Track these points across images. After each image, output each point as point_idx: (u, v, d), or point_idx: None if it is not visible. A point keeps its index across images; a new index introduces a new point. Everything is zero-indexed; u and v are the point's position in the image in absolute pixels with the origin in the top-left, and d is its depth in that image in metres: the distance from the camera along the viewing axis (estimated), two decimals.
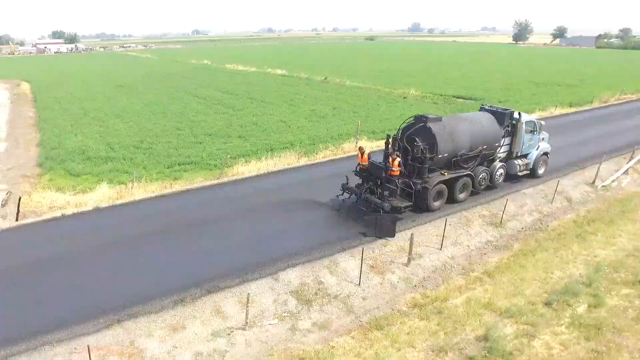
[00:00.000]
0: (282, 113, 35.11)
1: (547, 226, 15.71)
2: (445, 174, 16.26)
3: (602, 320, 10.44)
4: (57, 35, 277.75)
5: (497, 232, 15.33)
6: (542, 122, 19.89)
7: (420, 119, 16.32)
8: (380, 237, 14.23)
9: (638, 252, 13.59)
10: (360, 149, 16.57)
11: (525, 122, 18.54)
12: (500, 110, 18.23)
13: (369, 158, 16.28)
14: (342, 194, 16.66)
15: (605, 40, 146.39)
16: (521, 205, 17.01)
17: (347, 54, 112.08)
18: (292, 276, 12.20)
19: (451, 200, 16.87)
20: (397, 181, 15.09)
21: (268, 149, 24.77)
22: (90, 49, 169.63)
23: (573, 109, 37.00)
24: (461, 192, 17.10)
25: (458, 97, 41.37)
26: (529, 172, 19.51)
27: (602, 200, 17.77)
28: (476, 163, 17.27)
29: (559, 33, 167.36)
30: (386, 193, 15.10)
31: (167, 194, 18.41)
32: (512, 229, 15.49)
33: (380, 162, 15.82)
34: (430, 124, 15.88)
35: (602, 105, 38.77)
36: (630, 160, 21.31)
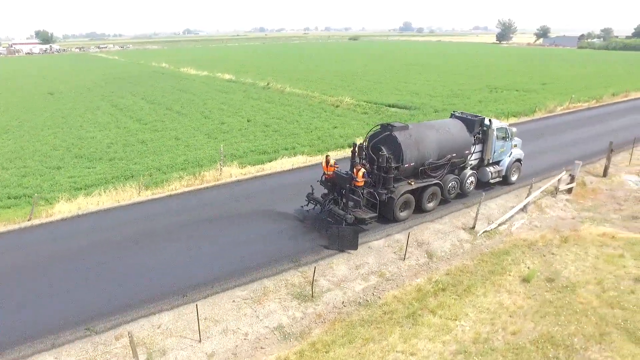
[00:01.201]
0: (187, 128, 31.68)
1: (379, 298, 11.97)
2: (412, 183, 15.85)
3: None
4: (39, 35, 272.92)
5: (301, 309, 11.41)
6: (514, 129, 19.34)
7: (386, 127, 15.92)
8: (343, 250, 13.84)
9: (476, 344, 10.14)
10: (326, 157, 16.04)
11: (497, 128, 18.13)
12: (470, 117, 17.85)
13: (334, 167, 15.77)
14: (307, 204, 16.19)
15: (587, 40, 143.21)
16: (357, 266, 13.24)
17: (319, 55, 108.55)
18: None
19: (420, 209, 16.45)
20: (361, 192, 14.74)
21: (127, 176, 21.32)
22: (64, 50, 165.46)
23: (513, 119, 33.62)
24: (430, 202, 16.77)
25: (393, 106, 37.96)
26: (501, 179, 19.19)
27: (475, 254, 13.79)
28: (445, 171, 16.89)
29: (542, 33, 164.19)
30: (350, 204, 14.70)
31: None
32: (325, 304, 11.52)
33: (345, 172, 15.39)
34: (395, 133, 15.52)
35: (547, 115, 35.43)
36: (529, 194, 17.18)
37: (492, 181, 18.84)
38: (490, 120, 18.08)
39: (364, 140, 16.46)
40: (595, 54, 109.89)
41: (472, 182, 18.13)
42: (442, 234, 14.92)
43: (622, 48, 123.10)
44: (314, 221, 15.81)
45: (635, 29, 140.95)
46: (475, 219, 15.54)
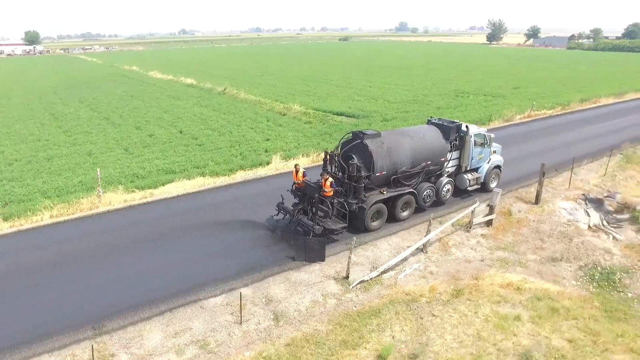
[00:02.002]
0: (109, 141, 29.16)
1: None
2: (385, 192, 15.44)
3: None
4: (28, 35, 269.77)
5: None
6: (492, 135, 18.95)
7: (357, 135, 15.52)
8: (310, 262, 13.41)
9: None
10: (296, 166, 15.63)
11: (474, 135, 17.79)
12: (446, 124, 17.43)
13: (303, 176, 15.34)
14: (278, 214, 15.67)
15: (576, 41, 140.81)
16: (177, 332, 10.39)
17: (299, 56, 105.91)
18: None
19: (393, 219, 15.99)
20: (330, 202, 14.46)
21: (4, 203, 18.71)
22: (48, 51, 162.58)
23: None
24: (403, 211, 16.33)
25: (340, 114, 35.37)
26: (479, 186, 18.76)
27: (336, 315, 10.97)
28: (420, 180, 16.51)
29: (532, 33, 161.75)
30: (320, 214, 14.36)
31: None
32: None
33: (315, 182, 15.01)
34: (366, 141, 15.14)
35: (503, 124, 32.92)
36: (428, 232, 14.13)
37: (470, 188, 18.39)
38: (467, 127, 17.69)
39: (336, 149, 16.01)
40: (582, 55, 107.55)
41: (448, 189, 17.64)
42: (304, 286, 12.28)
43: (610, 49, 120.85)
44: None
45: (625, 29, 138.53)
46: (348, 265, 12.74)
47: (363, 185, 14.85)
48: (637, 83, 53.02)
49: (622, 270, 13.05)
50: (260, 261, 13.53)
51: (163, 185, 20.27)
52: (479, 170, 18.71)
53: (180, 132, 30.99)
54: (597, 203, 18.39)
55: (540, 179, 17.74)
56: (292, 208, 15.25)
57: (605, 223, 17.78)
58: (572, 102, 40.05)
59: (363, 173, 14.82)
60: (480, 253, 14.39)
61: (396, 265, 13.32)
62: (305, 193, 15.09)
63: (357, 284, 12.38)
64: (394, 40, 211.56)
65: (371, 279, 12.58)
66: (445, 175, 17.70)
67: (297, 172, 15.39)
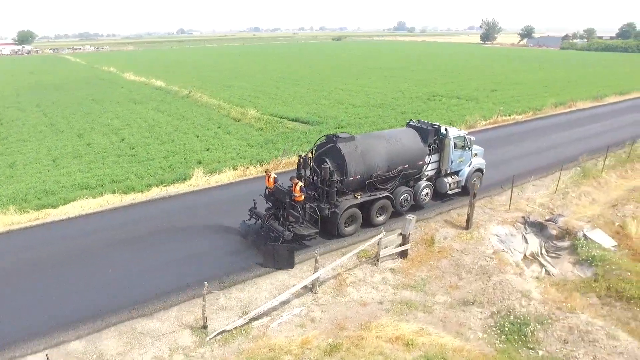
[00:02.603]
0: (40, 150, 27.50)
1: None
2: (359, 197, 15.23)
3: None
4: (21, 35, 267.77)
5: None
6: (473, 138, 18.59)
7: (331, 138, 15.30)
8: (279, 269, 13.18)
9: None
10: (267, 172, 15.56)
11: (454, 137, 17.51)
12: (423, 126, 17.12)
13: (274, 181, 15.09)
14: (250, 219, 15.36)
15: (569, 41, 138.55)
16: None
17: (285, 57, 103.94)
18: None
19: (369, 223, 15.79)
20: (300, 207, 14.18)
21: None
22: (36, 51, 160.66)
23: None
24: (379, 215, 16.12)
25: (295, 120, 33.46)
26: (460, 190, 18.49)
27: None
28: (397, 183, 16.28)
29: (526, 33, 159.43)
30: (290, 220, 14.16)
31: None
32: None
33: (287, 187, 14.58)
34: (340, 144, 14.90)
35: (467, 130, 30.89)
36: (315, 269, 11.98)
37: (450, 192, 18.16)
38: (446, 129, 17.39)
39: (309, 152, 15.75)
40: (574, 55, 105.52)
41: (427, 193, 17.36)
42: (151, 337, 10.39)
43: (603, 49, 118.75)
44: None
45: (619, 29, 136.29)
46: (203, 313, 10.68)
47: (335, 189, 14.52)
48: (620, 85, 51.10)
49: (537, 321, 11.14)
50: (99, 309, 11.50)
51: (64, 204, 18.37)
52: (460, 174, 18.39)
53: (122, 141, 29.15)
54: (539, 227, 16.54)
55: (471, 201, 15.83)
56: (264, 213, 15.02)
57: (544, 251, 15.93)
58: (546, 106, 38.06)
59: (336, 177, 14.51)
60: (382, 293, 12.48)
61: (274, 309, 11.42)
62: (277, 198, 14.80)
63: (216, 334, 10.48)
64: (388, 40, 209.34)
65: (235, 328, 10.67)
66: (425, 178, 17.40)
67: (268, 177, 15.19)
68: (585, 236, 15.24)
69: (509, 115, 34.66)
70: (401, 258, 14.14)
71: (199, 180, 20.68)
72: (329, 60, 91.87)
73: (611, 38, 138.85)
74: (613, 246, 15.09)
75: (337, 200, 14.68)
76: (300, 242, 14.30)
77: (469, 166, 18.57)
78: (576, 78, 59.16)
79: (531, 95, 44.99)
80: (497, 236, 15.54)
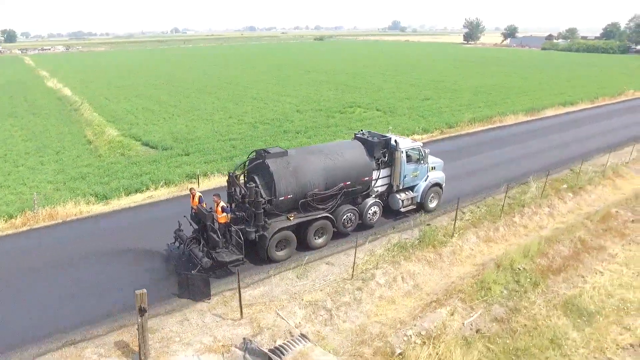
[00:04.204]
0: None
1: None
2: (292, 218, 13.88)
3: None
4: (4, 34, 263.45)
5: None
6: (428, 150, 17.26)
7: (260, 153, 13.99)
8: (195, 300, 11.85)
9: None
10: (191, 190, 14.02)
11: (406, 150, 16.18)
12: (370, 139, 15.79)
13: (199, 201, 13.62)
14: (175, 242, 13.87)
15: (551, 41, 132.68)
16: None
17: (250, 59, 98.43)
18: None
19: (307, 246, 14.38)
20: (224, 230, 12.95)
21: None
22: (0, 52, 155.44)
23: None
24: (318, 237, 14.65)
25: (146, 144, 27.90)
26: (415, 206, 17.20)
27: None
28: (338, 202, 14.81)
29: (509, 33, 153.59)
30: (211, 244, 12.91)
31: None
32: None
33: (210, 207, 13.23)
34: (268, 160, 13.54)
35: None
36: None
37: (403, 209, 16.81)
38: (396, 141, 16.07)
39: (239, 168, 14.69)
40: (551, 56, 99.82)
41: (375, 212, 16.02)
42: None
43: (585, 50, 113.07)
44: None
45: (603, 29, 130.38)
46: None
47: (262, 211, 13.26)
48: (581, 93, 45.57)
49: None
50: None
51: None
52: (415, 189, 17.08)
53: None
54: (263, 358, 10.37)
55: (141, 326, 10.03)
56: (187, 237, 13.64)
57: None
58: (462, 121, 32.43)
59: (264, 197, 13.34)
60: None
61: None
62: (200, 219, 13.58)
63: None
64: (373, 40, 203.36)
65: None
66: (373, 195, 16.06)
67: (193, 196, 13.87)
68: None
69: (407, 136, 28.96)
70: None
71: None
72: (275, 62, 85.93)
73: (596, 38, 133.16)
74: None
75: (266, 222, 13.37)
76: (226, 269, 12.91)
77: (426, 181, 17.13)
78: (534, 84, 53.48)
79: (464, 106, 39.41)
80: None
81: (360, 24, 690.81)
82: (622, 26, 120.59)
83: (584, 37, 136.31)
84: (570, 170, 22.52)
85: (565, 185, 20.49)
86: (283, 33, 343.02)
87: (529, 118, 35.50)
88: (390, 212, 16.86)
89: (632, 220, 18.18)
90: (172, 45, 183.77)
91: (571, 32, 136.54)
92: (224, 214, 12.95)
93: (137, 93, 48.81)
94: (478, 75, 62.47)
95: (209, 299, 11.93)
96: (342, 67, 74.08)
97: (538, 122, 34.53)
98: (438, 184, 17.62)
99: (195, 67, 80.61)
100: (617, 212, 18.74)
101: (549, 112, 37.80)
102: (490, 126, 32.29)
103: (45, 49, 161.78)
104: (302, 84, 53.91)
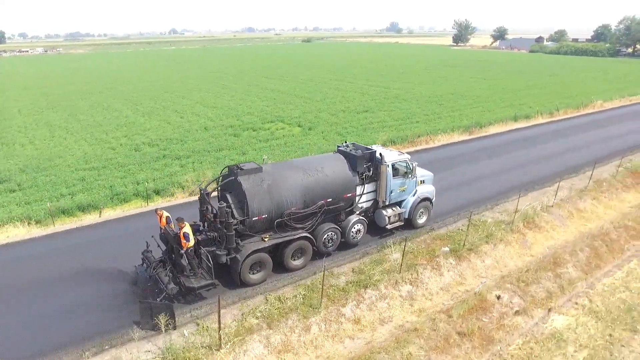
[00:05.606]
0: None
1: None
2: (267, 239, 12.88)
3: None
4: None
5: None
6: (416, 163, 16.11)
7: (233, 170, 12.95)
8: (158, 330, 11.18)
9: None
10: (157, 211, 13.09)
11: (392, 163, 15.25)
12: (353, 152, 14.79)
13: (167, 221, 12.87)
14: (142, 264, 13.01)
15: (540, 44, 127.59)
16: None
17: (221, 63, 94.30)
18: None
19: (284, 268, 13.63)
20: (188, 255, 11.95)
21: None
22: None
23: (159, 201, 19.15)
24: (297, 259, 13.80)
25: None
26: (402, 223, 16.14)
27: None
28: (318, 221, 13.88)
29: (499, 34, 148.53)
30: (177, 270, 12.17)
31: None
32: None
33: (177, 230, 12.36)
34: (241, 178, 12.56)
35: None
36: None
37: (390, 226, 15.74)
38: (381, 154, 15.07)
39: (210, 184, 13.61)
40: (539, 59, 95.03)
41: (358, 230, 14.91)
42: None
43: (573, 53, 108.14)
44: None
45: (594, 31, 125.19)
46: None
47: (234, 232, 12.18)
48: (507, 110, 40.97)
49: None
50: None
51: None
52: (403, 205, 16.29)
53: None
54: None
55: None
56: (154, 259, 12.65)
57: None
58: (379, 141, 27.89)
59: (237, 217, 12.34)
60: None
61: None
62: (168, 242, 12.68)
63: None
64: (364, 42, 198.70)
65: None
66: (357, 212, 15.23)
67: (160, 217, 12.89)
68: None
69: None
70: None
71: None
72: (242, 67, 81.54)
73: (587, 40, 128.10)
74: None
75: (238, 244, 12.45)
76: (195, 294, 12.12)
77: (414, 196, 16.31)
78: (495, 92, 48.81)
79: (399, 120, 34.93)
80: None
81: (360, 26, 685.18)
82: (613, 28, 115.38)
83: (574, 39, 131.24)
84: (468, 221, 16.77)
85: (447, 248, 15.51)
86: (276, 35, 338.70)
87: (465, 137, 30.91)
88: (377, 228, 16.01)
89: (516, 312, 12.85)
90: (158, 47, 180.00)
91: (560, 34, 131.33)
92: (186, 241, 11.85)
93: (47, 104, 44.57)
94: (440, 81, 57.91)
95: (175, 329, 11.15)
96: (299, 73, 69.50)
97: (472, 143, 29.79)
98: (428, 199, 16.66)
99: (152, 71, 76.49)
100: (498, 296, 13.37)
101: (493, 129, 33.21)
102: (409, 149, 27.60)
103: (23, 51, 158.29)
104: (243, 93, 49.54)
